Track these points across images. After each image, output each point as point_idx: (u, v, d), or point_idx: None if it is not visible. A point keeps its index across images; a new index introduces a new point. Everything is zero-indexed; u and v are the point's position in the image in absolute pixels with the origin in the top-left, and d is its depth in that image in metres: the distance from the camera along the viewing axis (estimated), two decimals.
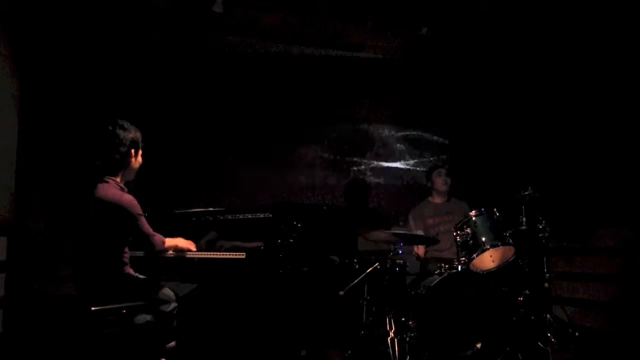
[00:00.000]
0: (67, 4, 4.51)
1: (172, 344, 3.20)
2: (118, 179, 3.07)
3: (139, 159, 3.14)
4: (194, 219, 4.00)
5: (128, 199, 3.01)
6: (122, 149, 3.02)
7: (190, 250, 3.47)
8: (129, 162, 3.07)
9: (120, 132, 3.03)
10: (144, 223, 3.05)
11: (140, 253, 3.38)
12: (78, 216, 3.14)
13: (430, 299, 3.64)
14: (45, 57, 4.57)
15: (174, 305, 3.19)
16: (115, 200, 2.96)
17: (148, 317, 3.09)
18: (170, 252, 3.41)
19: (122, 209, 2.96)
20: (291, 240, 3.59)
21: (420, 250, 4.45)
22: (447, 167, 4.70)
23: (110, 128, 3.03)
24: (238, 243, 3.62)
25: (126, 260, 3.13)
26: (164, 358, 3.16)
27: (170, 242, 3.29)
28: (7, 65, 4.26)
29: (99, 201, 2.98)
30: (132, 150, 3.06)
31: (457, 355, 3.55)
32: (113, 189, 3.00)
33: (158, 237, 3.13)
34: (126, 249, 3.14)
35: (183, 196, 5.08)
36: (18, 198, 4.35)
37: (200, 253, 3.55)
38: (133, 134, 3.07)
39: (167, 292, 3.21)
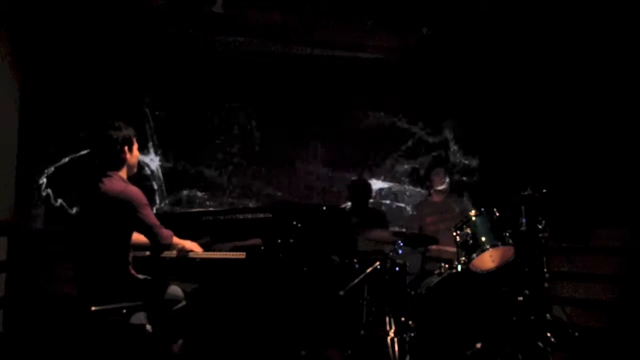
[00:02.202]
0: (67, 5, 4.52)
1: (180, 342, 3.21)
2: (120, 173, 3.12)
3: (135, 153, 3.19)
4: (194, 219, 4.00)
5: (134, 189, 3.06)
6: (116, 147, 3.09)
7: (194, 251, 3.48)
8: (125, 159, 3.13)
9: (112, 132, 3.10)
10: (150, 214, 3.07)
11: (142, 253, 3.38)
12: (81, 214, 3.17)
13: (430, 299, 3.64)
14: (46, 57, 4.57)
15: (182, 303, 3.20)
16: (120, 191, 3.01)
17: (148, 317, 3.10)
18: (174, 252, 3.43)
19: (127, 199, 3.00)
20: (291, 240, 3.59)
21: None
22: (445, 167, 4.70)
23: (103, 128, 3.11)
24: (237, 244, 3.62)
25: (131, 260, 3.15)
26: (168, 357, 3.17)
27: (178, 241, 3.29)
28: (7, 65, 4.27)
29: (104, 195, 3.01)
30: (125, 147, 3.12)
31: (457, 355, 3.54)
32: (117, 182, 3.06)
33: (166, 230, 3.14)
34: (130, 249, 3.16)
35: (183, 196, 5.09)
36: (18, 198, 4.35)
37: (200, 253, 3.54)
38: (124, 132, 3.13)
39: (175, 290, 3.21)
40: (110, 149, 3.08)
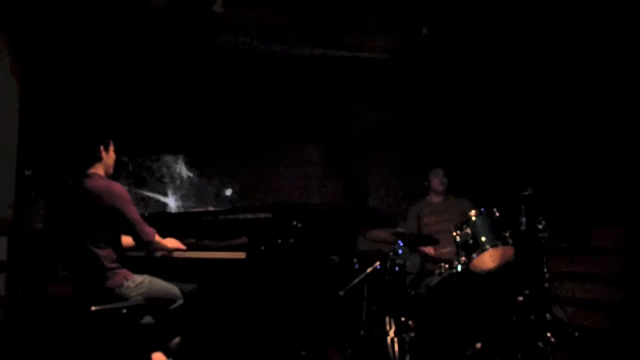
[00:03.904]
0: (67, 5, 4.51)
1: (177, 339, 3.23)
2: (96, 171, 3.21)
3: (111, 154, 3.30)
4: (193, 219, 4.00)
5: (117, 185, 3.17)
6: (92, 146, 3.23)
7: (179, 249, 3.49)
8: (101, 157, 3.24)
9: (88, 131, 3.31)
10: (133, 209, 3.14)
11: (141, 253, 3.39)
12: (67, 214, 3.23)
13: (430, 299, 3.64)
14: (46, 57, 4.57)
15: (179, 302, 3.23)
16: (103, 187, 3.11)
17: (148, 317, 3.10)
18: (167, 252, 3.44)
19: (111, 194, 3.08)
20: (291, 240, 3.59)
21: (429, 249, 4.39)
22: (444, 167, 4.68)
23: (79, 129, 3.20)
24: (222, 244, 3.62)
25: (124, 254, 3.17)
26: (164, 353, 3.18)
27: (161, 240, 3.30)
28: (7, 65, 4.27)
29: (89, 192, 3.09)
30: (102, 147, 3.23)
31: (457, 355, 3.54)
32: (99, 179, 3.17)
33: (149, 227, 3.18)
34: (121, 247, 3.18)
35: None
36: (18, 198, 4.35)
37: (200, 253, 3.54)
38: (99, 132, 3.30)
39: (172, 289, 3.24)
40: (87, 147, 3.22)
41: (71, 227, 3.17)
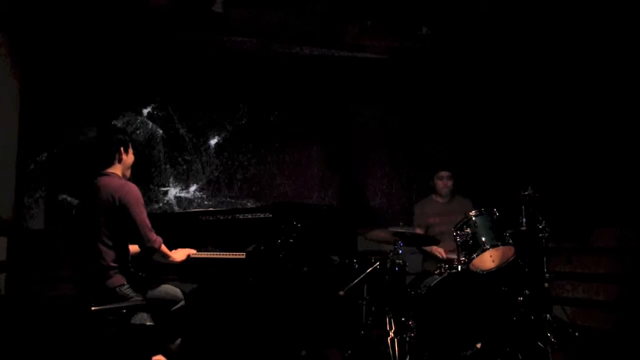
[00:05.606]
0: (67, 5, 4.52)
1: (178, 341, 3.23)
2: (114, 171, 3.21)
3: (130, 155, 3.30)
4: (193, 218, 4.00)
5: (132, 186, 3.15)
6: (111, 148, 3.23)
7: (189, 255, 3.48)
8: (121, 159, 3.24)
9: (109, 133, 3.36)
10: (143, 214, 3.12)
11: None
12: (80, 211, 3.23)
13: (430, 299, 3.64)
14: (45, 57, 4.57)
15: (181, 303, 3.22)
16: (118, 187, 3.10)
17: (148, 317, 3.10)
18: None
19: (124, 194, 3.07)
20: (291, 240, 3.59)
21: (440, 251, 4.35)
22: (449, 169, 4.65)
23: (99, 131, 3.20)
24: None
25: (129, 257, 3.17)
26: (165, 355, 3.18)
27: (167, 251, 3.28)
28: (7, 65, 4.27)
29: (102, 191, 3.07)
30: (122, 148, 3.24)
31: (457, 355, 3.54)
32: (116, 179, 3.16)
33: (156, 235, 3.16)
34: (129, 247, 3.18)
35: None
36: (18, 198, 4.35)
37: (200, 253, 3.55)
38: (121, 135, 3.32)
39: (174, 290, 3.23)
40: (108, 148, 3.22)
41: (79, 221, 3.17)
